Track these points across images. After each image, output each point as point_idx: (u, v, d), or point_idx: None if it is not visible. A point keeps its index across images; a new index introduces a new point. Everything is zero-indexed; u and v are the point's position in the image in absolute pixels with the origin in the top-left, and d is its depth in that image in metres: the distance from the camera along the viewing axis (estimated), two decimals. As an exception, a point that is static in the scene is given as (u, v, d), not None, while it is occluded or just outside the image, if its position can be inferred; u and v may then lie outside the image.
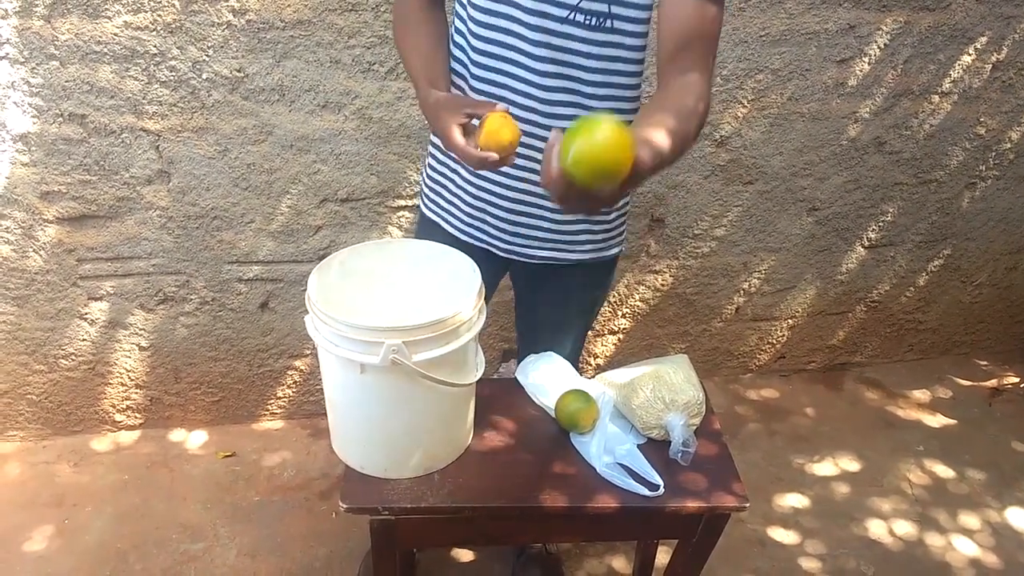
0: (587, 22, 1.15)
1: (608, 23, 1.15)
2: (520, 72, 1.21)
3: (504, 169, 1.25)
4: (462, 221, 1.42)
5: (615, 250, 1.48)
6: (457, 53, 1.28)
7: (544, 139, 1.11)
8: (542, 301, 1.54)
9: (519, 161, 1.26)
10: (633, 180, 0.90)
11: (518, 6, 1.15)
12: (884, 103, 2.09)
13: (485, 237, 1.42)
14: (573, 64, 1.19)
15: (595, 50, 1.18)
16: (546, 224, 1.37)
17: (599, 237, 1.43)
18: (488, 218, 1.38)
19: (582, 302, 1.57)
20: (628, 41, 1.19)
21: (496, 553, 1.92)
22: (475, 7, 1.20)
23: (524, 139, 1.20)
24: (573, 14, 1.14)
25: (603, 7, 1.14)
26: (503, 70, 1.22)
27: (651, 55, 1.19)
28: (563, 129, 0.87)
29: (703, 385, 1.39)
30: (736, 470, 1.32)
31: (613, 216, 1.43)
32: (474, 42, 1.23)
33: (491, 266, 1.41)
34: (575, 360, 1.65)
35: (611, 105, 1.23)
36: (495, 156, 1.06)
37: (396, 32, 1.33)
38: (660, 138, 0.96)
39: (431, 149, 1.45)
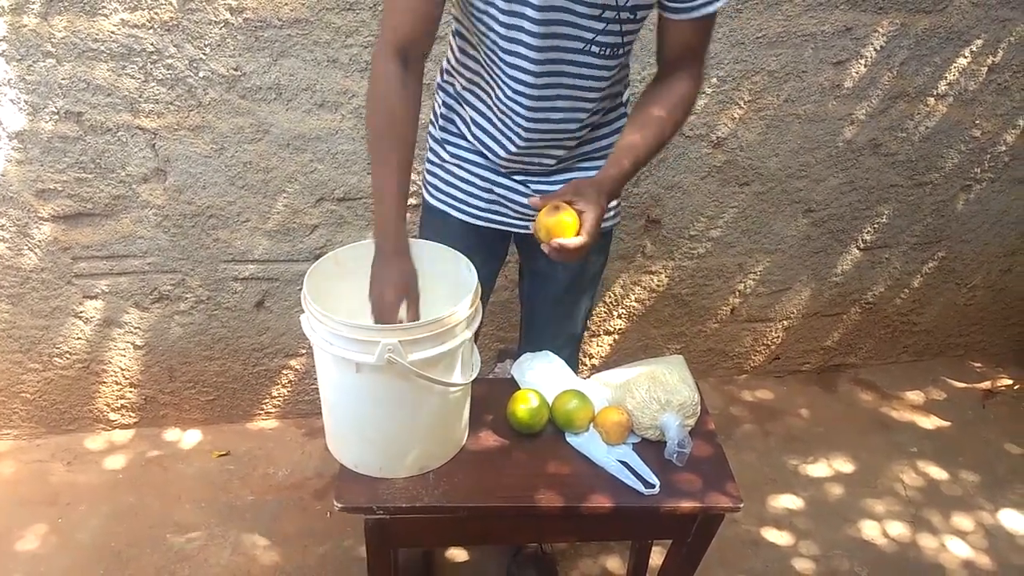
0: (602, 52, 1.21)
1: (620, 51, 1.22)
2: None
3: (516, 155, 1.35)
4: (478, 208, 1.44)
5: (611, 222, 1.51)
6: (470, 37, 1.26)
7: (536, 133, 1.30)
8: (561, 271, 1.55)
9: (525, 136, 1.31)
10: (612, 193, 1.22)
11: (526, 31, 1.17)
12: (880, 105, 2.10)
13: (501, 219, 1.45)
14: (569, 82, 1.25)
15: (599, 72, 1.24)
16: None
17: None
18: (506, 202, 1.42)
19: (593, 271, 1.60)
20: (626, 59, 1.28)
21: (491, 553, 1.92)
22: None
23: (526, 124, 1.28)
24: (589, 46, 1.19)
25: (616, 39, 1.19)
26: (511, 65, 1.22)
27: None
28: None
29: (698, 386, 1.40)
30: (730, 471, 1.32)
31: None
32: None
33: (500, 245, 1.54)
34: (578, 345, 1.70)
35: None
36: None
37: (376, 118, 1.21)
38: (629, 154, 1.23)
39: (431, 143, 1.46)
